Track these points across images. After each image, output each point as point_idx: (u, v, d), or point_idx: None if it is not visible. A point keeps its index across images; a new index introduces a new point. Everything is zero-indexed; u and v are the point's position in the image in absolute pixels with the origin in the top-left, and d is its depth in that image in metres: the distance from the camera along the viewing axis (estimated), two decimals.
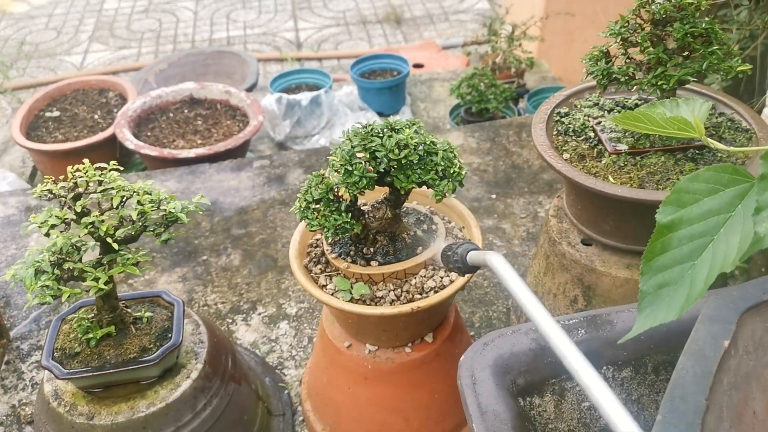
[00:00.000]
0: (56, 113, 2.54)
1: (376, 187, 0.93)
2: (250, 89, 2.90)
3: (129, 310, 1.03)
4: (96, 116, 2.52)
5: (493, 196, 1.81)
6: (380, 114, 2.89)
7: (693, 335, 0.71)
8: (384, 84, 2.83)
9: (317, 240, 1.11)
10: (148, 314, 1.03)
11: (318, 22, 4.91)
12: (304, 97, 2.68)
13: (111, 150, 2.41)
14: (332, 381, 1.14)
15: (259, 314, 1.48)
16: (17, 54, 4.01)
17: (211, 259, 1.65)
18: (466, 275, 0.85)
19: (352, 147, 0.94)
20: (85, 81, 2.72)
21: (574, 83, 2.80)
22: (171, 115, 2.51)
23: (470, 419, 0.78)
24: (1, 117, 3.30)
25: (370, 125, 0.96)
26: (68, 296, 0.88)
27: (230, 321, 1.47)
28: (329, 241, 1.05)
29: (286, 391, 1.30)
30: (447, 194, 0.93)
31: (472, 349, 0.86)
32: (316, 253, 1.08)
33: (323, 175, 1.02)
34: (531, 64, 2.53)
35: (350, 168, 0.93)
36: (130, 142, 2.23)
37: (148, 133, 2.40)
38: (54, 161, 2.35)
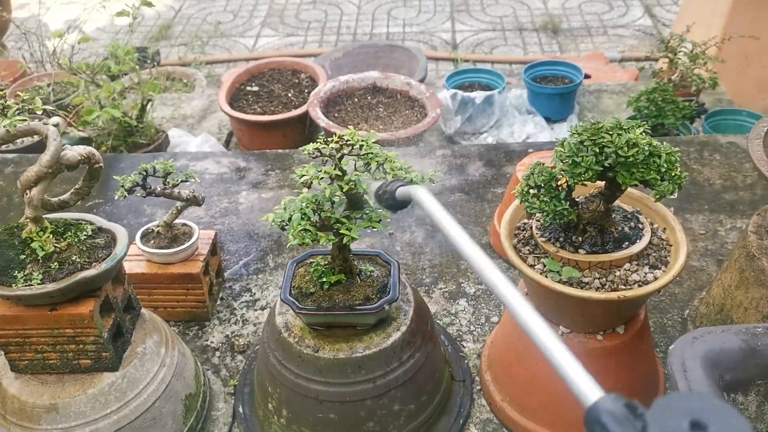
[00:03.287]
0: (255, 88, 2.81)
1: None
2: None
3: (356, 263, 1.18)
4: (290, 94, 2.77)
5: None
6: (547, 119, 2.93)
7: None
8: (556, 90, 2.87)
9: (524, 224, 1.20)
10: (371, 269, 1.18)
11: (475, 26, 4.99)
12: (479, 95, 2.78)
13: (300, 126, 2.64)
14: (519, 357, 1.23)
15: (440, 289, 1.60)
16: (214, 32, 4.42)
17: (397, 234, 1.79)
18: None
19: (581, 140, 1.02)
20: (281, 61, 2.98)
21: (749, 108, 2.69)
22: (356, 100, 2.70)
23: None
24: (198, 88, 3.68)
25: (599, 122, 1.04)
26: (324, 241, 1.03)
27: None
28: (539, 225, 1.14)
29: (466, 361, 1.40)
30: (666, 195, 0.99)
31: (682, 341, 0.92)
32: (524, 236, 1.17)
33: (543, 163, 1.11)
34: (714, 84, 2.47)
35: (577, 159, 1.01)
36: (322, 120, 2.43)
37: (335, 115, 2.61)
38: (252, 130, 2.61)
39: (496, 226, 1.70)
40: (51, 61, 3.24)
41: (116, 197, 1.37)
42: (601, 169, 1.00)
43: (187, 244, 1.45)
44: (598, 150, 0.99)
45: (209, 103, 3.15)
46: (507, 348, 1.28)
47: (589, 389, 0.41)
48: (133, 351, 1.17)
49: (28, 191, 1.00)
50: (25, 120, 0.96)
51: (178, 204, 1.45)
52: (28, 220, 1.03)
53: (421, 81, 3.14)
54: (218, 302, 1.61)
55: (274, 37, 4.85)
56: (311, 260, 1.21)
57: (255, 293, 1.63)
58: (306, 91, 2.80)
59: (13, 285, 1.00)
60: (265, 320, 1.29)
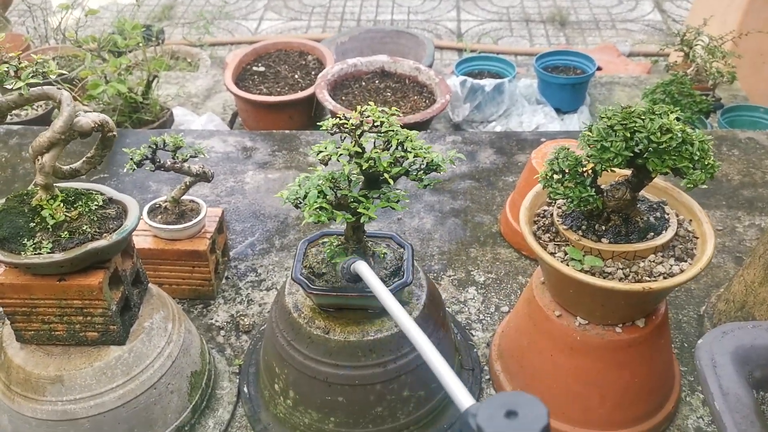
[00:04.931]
0: (262, 68, 2.77)
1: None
2: None
3: (369, 245, 1.15)
4: (296, 76, 2.73)
5: None
6: (557, 110, 2.90)
7: None
8: (568, 81, 2.84)
9: (544, 210, 1.17)
10: (385, 251, 1.15)
11: (481, 15, 4.95)
12: (488, 83, 2.75)
13: (307, 108, 2.60)
14: (534, 346, 1.20)
15: (449, 277, 1.57)
16: (219, 14, 4.37)
17: (405, 219, 1.76)
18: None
19: (611, 125, 1.00)
20: (288, 43, 2.94)
21: (765, 105, 2.65)
22: (363, 83, 2.67)
23: (711, 398, 0.82)
24: (203, 68, 3.63)
25: (629, 107, 1.01)
26: (340, 219, 1.00)
27: None
28: (561, 212, 1.12)
29: (475, 350, 1.38)
30: (698, 184, 0.97)
31: (711, 335, 0.90)
32: (544, 223, 1.14)
33: (568, 148, 1.08)
34: (733, 78, 2.44)
35: (606, 144, 0.99)
36: (329, 102, 2.40)
37: (342, 98, 2.57)
38: (257, 111, 2.58)
39: (507, 214, 1.68)
40: (55, 35, 3.19)
41: (125, 170, 1.34)
42: (631, 155, 0.97)
43: (195, 221, 1.42)
44: (628, 135, 0.97)
45: (214, 83, 3.11)
46: (519, 338, 1.25)
47: (464, 397, 0.56)
48: (140, 325, 1.14)
49: (39, 157, 0.97)
50: (39, 83, 0.92)
51: (187, 179, 1.42)
52: (38, 187, 1.00)
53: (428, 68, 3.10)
54: (223, 281, 1.58)
55: (277, 21, 4.80)
56: (324, 240, 1.18)
57: (260, 273, 1.60)
58: (313, 73, 2.76)
59: (22, 253, 0.97)
60: (274, 300, 1.26)
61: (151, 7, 4.93)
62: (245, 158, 2.03)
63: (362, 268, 0.99)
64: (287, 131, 2.20)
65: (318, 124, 1.04)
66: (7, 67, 0.89)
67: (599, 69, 3.52)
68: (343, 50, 3.48)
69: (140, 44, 2.33)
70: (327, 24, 4.83)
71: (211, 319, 1.48)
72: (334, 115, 2.40)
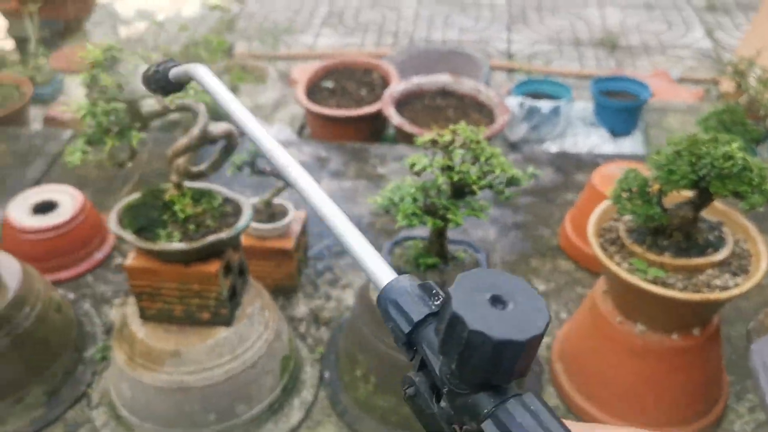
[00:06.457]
0: (330, 84, 2.94)
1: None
2: None
3: (450, 249, 1.28)
4: (362, 92, 2.89)
5: None
6: (611, 133, 2.99)
7: None
8: (623, 105, 2.93)
9: (610, 225, 1.29)
10: (463, 255, 1.28)
11: (531, 37, 5.05)
12: (546, 105, 2.86)
13: (370, 122, 2.76)
14: (595, 349, 1.32)
15: None
16: (286, 29, 4.58)
17: (471, 229, 1.89)
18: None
19: (677, 151, 1.11)
20: (354, 60, 3.10)
21: None
22: (426, 101, 2.81)
23: (762, 393, 0.92)
24: (270, 81, 3.83)
25: (695, 135, 1.13)
26: (431, 224, 1.13)
27: None
28: (627, 227, 1.23)
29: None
30: (756, 207, 1.07)
31: (764, 340, 1.00)
32: (610, 236, 1.26)
33: (636, 169, 1.20)
34: None
35: (674, 168, 1.10)
36: (395, 118, 2.55)
37: (405, 114, 2.71)
38: (326, 124, 2.74)
39: (567, 228, 1.79)
40: (134, 47, 3.42)
41: (227, 173, 1.50)
42: (696, 178, 1.09)
43: (284, 221, 1.57)
44: (694, 160, 1.08)
45: (281, 96, 3.29)
46: (581, 341, 1.36)
47: (384, 273, 0.38)
48: (243, 311, 1.29)
49: (175, 159, 1.13)
50: (184, 96, 1.08)
51: (280, 184, 1.58)
52: (172, 184, 1.16)
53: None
54: (302, 278, 1.73)
55: (333, 37, 4.99)
56: (408, 242, 1.31)
57: (336, 273, 1.75)
58: (377, 89, 2.92)
59: (157, 241, 1.13)
60: (357, 295, 1.40)
61: (213, 21, 5.18)
62: (320, 167, 2.18)
63: (198, 71, 0.62)
64: (357, 144, 2.35)
65: (415, 139, 1.18)
66: None
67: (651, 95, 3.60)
68: (402, 67, 3.63)
69: (226, 58, 2.52)
70: (380, 41, 5.00)
71: (293, 311, 1.63)
72: (399, 129, 2.55)
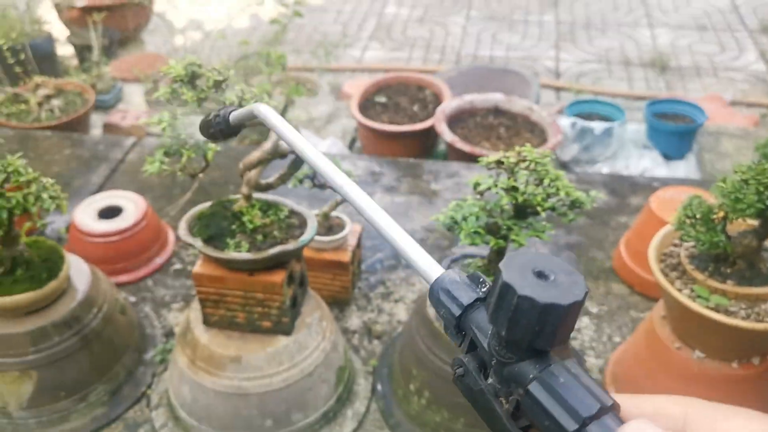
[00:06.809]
0: (383, 99, 2.98)
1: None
2: None
3: None
4: (415, 108, 2.93)
5: None
6: (664, 156, 2.96)
7: None
8: (677, 129, 2.90)
9: (671, 250, 1.29)
10: None
11: (579, 56, 5.01)
12: (598, 126, 2.85)
13: (421, 139, 2.79)
14: (650, 374, 1.31)
15: None
16: (337, 43, 4.66)
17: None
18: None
19: (744, 179, 1.11)
20: (407, 77, 3.14)
21: None
22: (478, 119, 2.83)
23: None
24: (321, 94, 3.90)
25: (763, 163, 1.12)
26: (494, 244, 1.15)
27: None
28: (688, 254, 1.23)
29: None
30: None
31: None
32: (671, 262, 1.26)
33: (700, 196, 1.20)
34: None
35: (740, 196, 1.10)
36: (447, 135, 2.57)
37: (458, 131, 2.74)
38: (378, 138, 2.78)
39: (621, 252, 1.78)
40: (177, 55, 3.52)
41: (289, 185, 1.54)
42: (762, 207, 1.08)
43: (341, 234, 1.61)
44: (761, 189, 1.08)
45: (334, 109, 3.35)
46: (636, 365, 1.36)
47: (434, 268, 0.41)
48: (302, 321, 1.32)
49: (247, 171, 1.17)
50: None
51: (339, 198, 1.61)
52: (242, 196, 1.21)
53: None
54: (356, 290, 1.76)
55: (380, 51, 5.04)
56: (466, 261, 1.33)
57: (389, 287, 1.77)
58: (430, 106, 2.95)
59: (225, 250, 1.17)
60: (414, 310, 1.43)
61: (263, 33, 5.30)
62: (374, 182, 2.22)
63: (260, 108, 0.60)
64: (411, 159, 2.38)
65: (480, 159, 1.20)
66: (236, 97, 1.10)
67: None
68: (451, 84, 3.66)
69: (284, 71, 2.59)
70: (427, 56, 5.04)
71: (346, 323, 1.66)
72: (450, 146, 2.58)
